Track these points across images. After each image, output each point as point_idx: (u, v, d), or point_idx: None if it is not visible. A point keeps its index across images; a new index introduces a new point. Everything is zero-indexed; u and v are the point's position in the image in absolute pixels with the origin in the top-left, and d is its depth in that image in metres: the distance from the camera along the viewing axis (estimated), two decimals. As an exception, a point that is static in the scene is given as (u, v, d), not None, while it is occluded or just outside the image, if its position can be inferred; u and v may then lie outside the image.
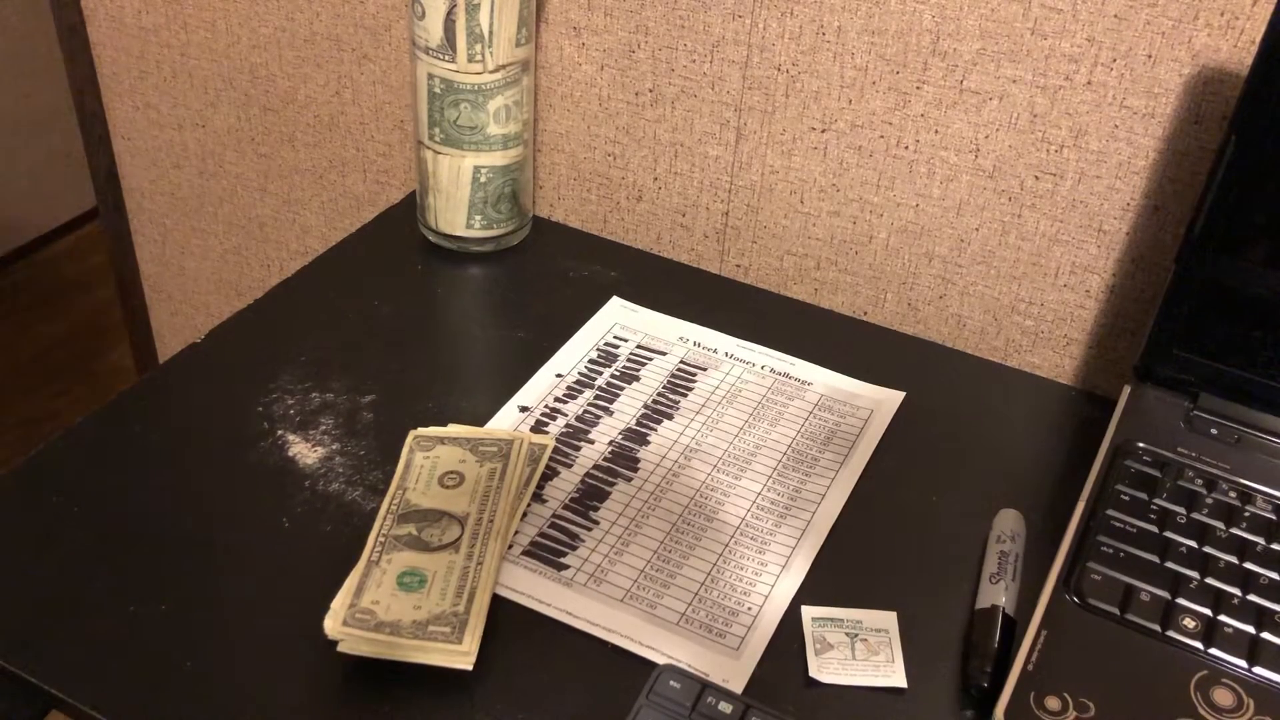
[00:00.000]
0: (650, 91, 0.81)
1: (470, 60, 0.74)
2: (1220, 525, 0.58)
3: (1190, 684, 0.51)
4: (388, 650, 0.52)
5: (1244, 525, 0.58)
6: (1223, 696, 0.50)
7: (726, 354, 0.74)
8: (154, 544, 0.58)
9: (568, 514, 0.61)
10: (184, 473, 0.62)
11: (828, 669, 0.54)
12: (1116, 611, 0.54)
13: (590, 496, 0.63)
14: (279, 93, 0.97)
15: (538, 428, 0.67)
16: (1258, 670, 0.52)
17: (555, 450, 0.65)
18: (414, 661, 0.52)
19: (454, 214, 0.80)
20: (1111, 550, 0.57)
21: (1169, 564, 0.56)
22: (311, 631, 0.53)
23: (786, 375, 0.72)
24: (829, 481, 0.65)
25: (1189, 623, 0.53)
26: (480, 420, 0.67)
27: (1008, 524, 0.61)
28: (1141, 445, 0.62)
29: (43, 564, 0.56)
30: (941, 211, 0.75)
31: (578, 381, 0.71)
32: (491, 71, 0.75)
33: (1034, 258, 0.74)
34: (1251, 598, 0.55)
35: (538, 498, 0.62)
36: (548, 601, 0.56)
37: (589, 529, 0.61)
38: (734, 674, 0.53)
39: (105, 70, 1.05)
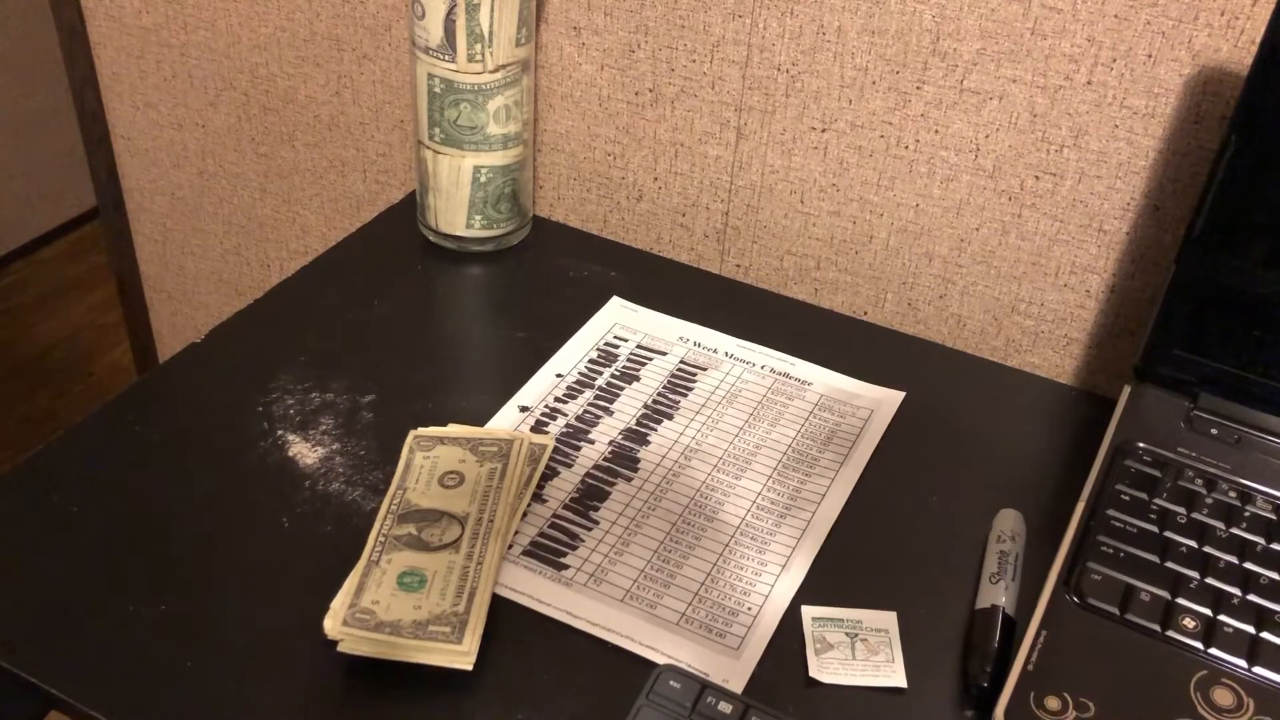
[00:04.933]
0: (650, 91, 0.81)
1: (470, 60, 0.74)
2: (1220, 525, 0.58)
3: (1190, 684, 0.51)
4: (388, 650, 0.52)
5: (1244, 525, 0.58)
6: (1223, 696, 0.50)
7: (726, 354, 0.74)
8: (154, 544, 0.58)
9: (568, 514, 0.61)
10: (184, 473, 0.62)
11: (828, 669, 0.54)
12: (1116, 611, 0.54)
13: (590, 496, 0.63)
14: (279, 93, 0.97)
15: (538, 428, 0.67)
16: (1258, 670, 0.52)
17: (555, 450, 0.65)
18: (414, 661, 0.52)
19: (454, 214, 0.80)
20: (1111, 550, 0.57)
21: (1169, 564, 0.56)
22: (311, 631, 0.53)
23: (786, 375, 0.72)
24: (829, 481, 0.65)
25: (1189, 623, 0.53)
26: (480, 420, 0.67)
27: (1008, 524, 0.61)
28: (1141, 445, 0.62)
29: (42, 564, 0.56)
30: (941, 211, 0.75)
31: (578, 381, 0.71)
32: (491, 71, 0.75)
33: (1034, 257, 0.74)
34: (1251, 598, 0.55)
35: (538, 498, 0.62)
36: (548, 601, 0.56)
37: (589, 529, 0.61)
38: (734, 674, 0.53)
39: (105, 70, 1.05)
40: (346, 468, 0.63)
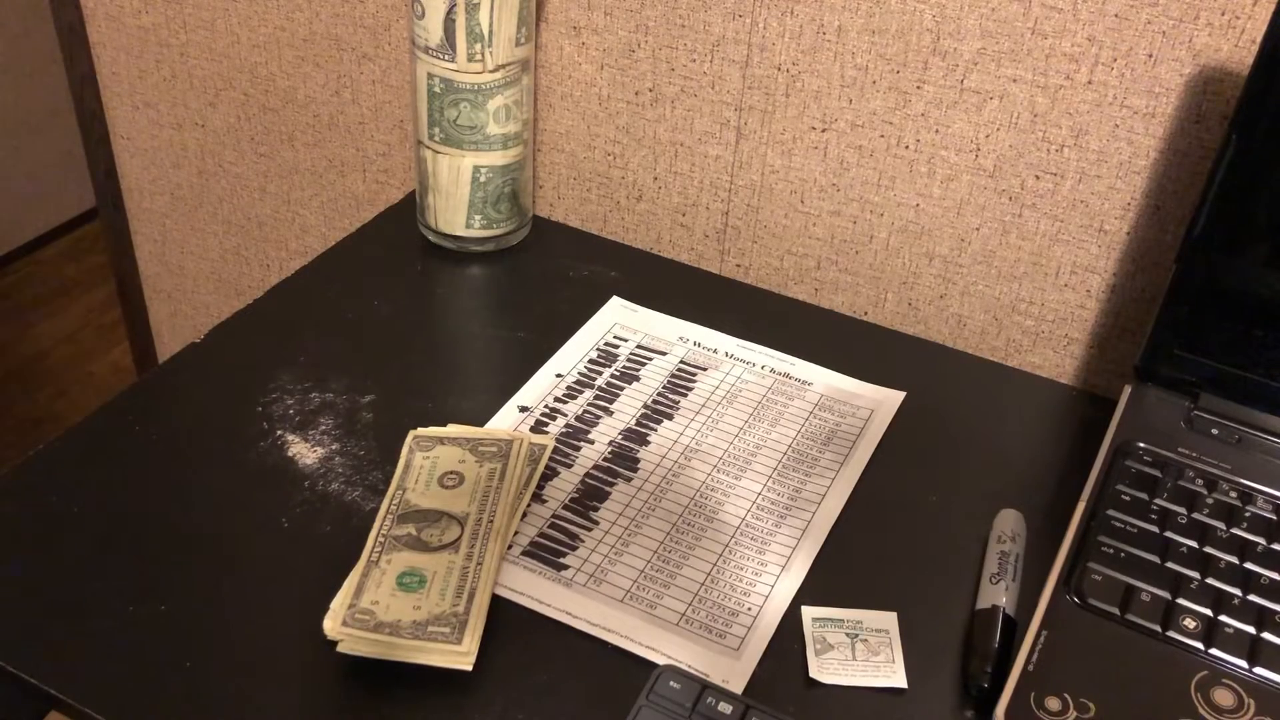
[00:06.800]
0: (650, 91, 0.81)
1: (470, 60, 0.74)
2: (1221, 525, 0.58)
3: (1191, 684, 0.51)
4: (387, 650, 0.52)
5: (1244, 525, 0.58)
6: (1223, 697, 0.50)
7: (726, 354, 0.74)
8: (154, 544, 0.58)
9: (568, 514, 0.61)
10: (184, 473, 0.62)
11: (828, 669, 0.54)
12: (1117, 612, 0.54)
13: (590, 496, 0.63)
14: (278, 92, 0.97)
15: (537, 428, 0.67)
16: (1258, 670, 0.52)
17: (555, 450, 0.65)
18: (413, 662, 0.52)
19: (454, 214, 0.80)
20: (1112, 550, 0.57)
21: (1169, 564, 0.56)
22: (311, 631, 0.53)
23: (786, 375, 0.72)
24: (829, 481, 0.65)
25: (1189, 623, 0.53)
26: (480, 420, 0.67)
27: (1008, 524, 0.61)
28: (1142, 445, 0.62)
29: (42, 564, 0.56)
30: (942, 211, 0.75)
31: (578, 381, 0.71)
32: (491, 71, 0.75)
33: (1034, 257, 0.74)
34: (1252, 598, 0.55)
35: (537, 498, 0.62)
36: (548, 601, 0.56)
37: (589, 529, 0.61)
38: (734, 674, 0.53)
39: (105, 70, 1.05)
40: (346, 468, 0.63)
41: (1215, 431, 0.63)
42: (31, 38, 2.03)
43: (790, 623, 0.56)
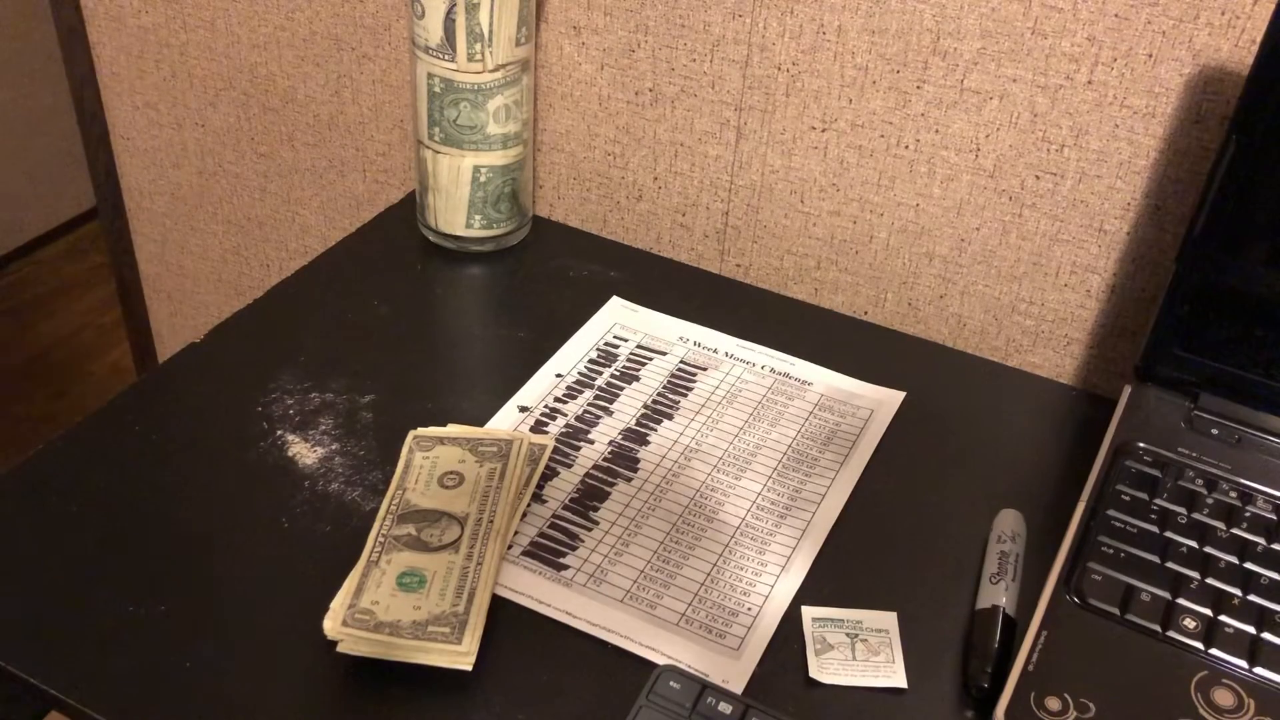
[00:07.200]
0: (650, 91, 0.81)
1: (470, 60, 0.74)
2: (1221, 525, 0.58)
3: (1191, 684, 0.51)
4: (387, 650, 0.52)
5: (1244, 525, 0.58)
6: (1223, 697, 0.50)
7: (726, 354, 0.74)
8: (154, 544, 0.58)
9: (568, 514, 0.61)
10: (184, 473, 0.62)
11: (828, 669, 0.54)
12: (1117, 612, 0.54)
13: (590, 496, 0.63)
14: (278, 92, 0.97)
15: (537, 428, 0.67)
16: (1258, 670, 0.52)
17: (555, 450, 0.65)
18: (413, 662, 0.52)
19: (454, 214, 0.80)
20: (1112, 550, 0.57)
21: (1169, 564, 0.56)
22: (311, 631, 0.53)
23: (786, 375, 0.72)
24: (829, 481, 0.65)
25: (1189, 623, 0.53)
26: (480, 420, 0.67)
27: (1008, 524, 0.61)
28: (1142, 445, 0.62)
29: (42, 564, 0.56)
30: (942, 211, 0.75)
31: (578, 381, 0.71)
32: (491, 71, 0.75)
33: (1034, 257, 0.74)
34: (1252, 598, 0.55)
35: (537, 498, 0.62)
36: (548, 602, 0.56)
37: (589, 529, 0.61)
38: (734, 674, 0.53)
39: (105, 70, 1.05)
40: (346, 468, 0.63)
41: (1215, 431, 0.63)
42: (31, 38, 2.03)
43: (790, 623, 0.56)
